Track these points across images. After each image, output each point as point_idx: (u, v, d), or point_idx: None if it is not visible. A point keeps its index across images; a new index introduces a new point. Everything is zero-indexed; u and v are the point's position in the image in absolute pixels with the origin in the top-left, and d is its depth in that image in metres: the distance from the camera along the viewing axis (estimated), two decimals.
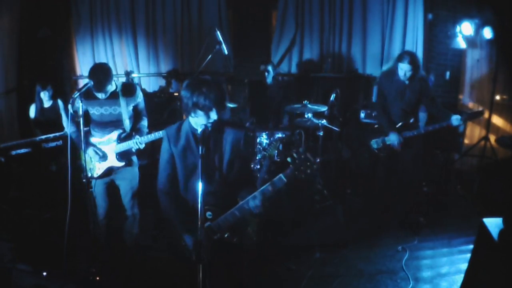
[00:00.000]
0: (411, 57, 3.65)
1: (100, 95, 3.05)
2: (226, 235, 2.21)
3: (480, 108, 4.64)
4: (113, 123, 3.17)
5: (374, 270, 3.44)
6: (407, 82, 3.77)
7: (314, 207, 4.27)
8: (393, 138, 3.82)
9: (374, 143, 3.98)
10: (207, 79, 2.06)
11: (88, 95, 3.02)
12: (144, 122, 3.33)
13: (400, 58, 3.70)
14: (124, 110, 3.16)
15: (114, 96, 3.12)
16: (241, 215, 2.14)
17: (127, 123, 3.21)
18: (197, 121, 2.11)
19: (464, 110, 5.44)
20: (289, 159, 2.03)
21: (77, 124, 3.08)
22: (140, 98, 3.27)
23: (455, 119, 3.68)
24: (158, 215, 4.21)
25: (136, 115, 3.30)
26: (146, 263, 3.46)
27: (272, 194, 2.08)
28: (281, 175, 2.05)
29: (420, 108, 4.08)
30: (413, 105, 3.89)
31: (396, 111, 3.91)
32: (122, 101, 3.14)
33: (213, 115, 2.06)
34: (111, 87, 3.07)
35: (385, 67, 4.19)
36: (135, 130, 3.26)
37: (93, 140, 3.20)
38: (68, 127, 3.27)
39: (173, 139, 2.23)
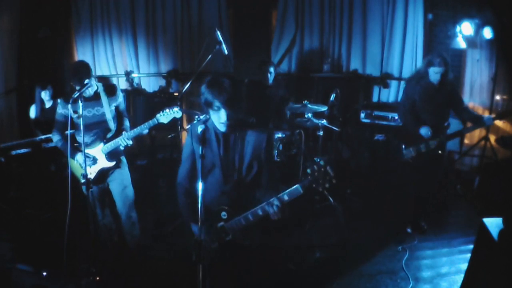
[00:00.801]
0: (444, 59, 3.52)
1: (87, 92, 3.04)
2: (237, 237, 2.22)
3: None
4: (98, 124, 3.17)
5: (374, 270, 3.44)
6: (438, 86, 3.62)
7: (314, 207, 4.27)
8: (424, 131, 3.63)
9: (408, 153, 3.75)
10: (223, 80, 2.07)
11: (71, 98, 2.87)
12: (127, 123, 3.36)
13: (432, 63, 3.53)
14: (107, 109, 3.16)
15: (96, 97, 3.13)
16: (254, 220, 2.14)
17: (111, 123, 3.21)
18: (214, 119, 2.14)
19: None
20: (308, 170, 1.98)
21: (61, 132, 3.10)
22: (121, 98, 3.28)
23: (488, 120, 3.63)
24: (158, 215, 4.22)
25: (118, 116, 3.30)
26: (146, 263, 3.46)
27: (288, 202, 2.07)
28: (298, 185, 2.02)
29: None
30: (445, 109, 3.79)
31: (428, 116, 3.74)
32: (104, 101, 3.15)
33: (223, 116, 2.07)
34: (94, 84, 3.09)
35: (411, 73, 4.02)
36: (120, 131, 3.24)
37: (77, 145, 3.14)
38: (54, 129, 3.24)
39: (196, 135, 2.23)
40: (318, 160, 2.05)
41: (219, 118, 2.10)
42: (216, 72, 2.23)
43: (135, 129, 3.16)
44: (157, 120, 3.13)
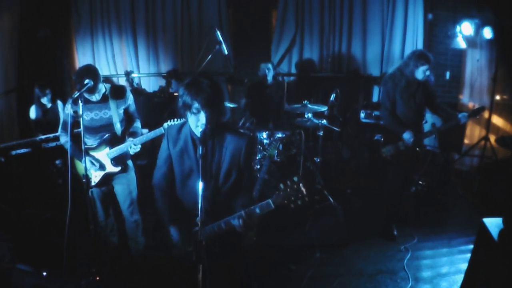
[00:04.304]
0: (430, 56, 3.50)
1: (94, 97, 2.99)
2: (209, 244, 2.17)
3: (478, 105, 4.64)
4: (104, 128, 3.10)
5: (374, 270, 3.44)
6: (418, 83, 3.61)
7: (314, 207, 4.27)
8: (408, 136, 3.59)
9: (387, 151, 3.72)
10: (202, 81, 1.99)
11: (77, 101, 2.83)
12: (138, 124, 3.28)
13: (423, 61, 3.46)
14: (115, 113, 3.08)
15: (104, 99, 3.06)
16: (227, 229, 2.10)
17: (118, 127, 3.13)
18: (191, 122, 2.07)
19: (464, 110, 5.44)
20: (281, 186, 1.94)
21: (70, 132, 3.01)
22: (130, 100, 3.21)
23: (463, 117, 3.61)
24: (158, 215, 4.21)
25: (128, 118, 3.24)
26: (146, 263, 3.46)
27: (259, 216, 2.03)
28: (269, 200, 1.98)
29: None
30: (424, 106, 3.77)
31: (409, 115, 3.68)
32: (112, 104, 3.07)
33: (202, 119, 1.98)
34: (102, 87, 3.02)
35: (390, 70, 4.01)
36: (130, 133, 3.19)
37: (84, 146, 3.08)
38: (60, 129, 3.22)
39: (173, 139, 2.21)
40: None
41: (197, 121, 2.00)
42: (197, 74, 2.13)
43: (141, 137, 3.10)
44: (164, 129, 3.05)
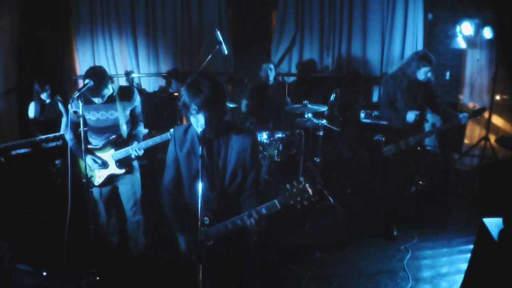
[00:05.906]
0: (432, 57, 3.49)
1: (97, 100, 2.95)
2: (216, 244, 2.18)
3: (479, 106, 4.65)
4: (110, 128, 3.08)
5: (374, 270, 3.44)
6: (419, 83, 3.61)
7: (314, 207, 4.27)
8: (412, 116, 3.55)
9: (388, 150, 3.70)
10: (202, 82, 1.98)
11: (84, 100, 2.80)
12: (141, 128, 3.26)
13: (426, 62, 3.46)
14: (121, 114, 3.06)
15: (111, 100, 3.03)
16: (234, 229, 2.10)
17: (124, 128, 3.11)
18: (192, 122, 2.08)
19: (464, 110, 5.44)
20: (288, 186, 1.94)
21: (74, 131, 3.01)
22: (137, 102, 3.18)
23: (463, 117, 3.61)
24: (158, 215, 4.21)
25: (132, 120, 3.21)
26: (146, 263, 3.46)
27: (266, 216, 2.02)
28: (275, 201, 1.98)
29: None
30: (425, 106, 3.76)
31: None
32: (119, 105, 3.04)
33: (201, 119, 1.99)
34: (107, 91, 2.97)
35: (392, 69, 3.99)
36: (132, 136, 3.17)
37: (90, 146, 3.10)
38: (64, 128, 3.24)
39: (179, 142, 2.21)
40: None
41: (197, 121, 2.02)
42: (199, 74, 2.11)
43: (147, 141, 3.08)
44: (171, 135, 3.06)
